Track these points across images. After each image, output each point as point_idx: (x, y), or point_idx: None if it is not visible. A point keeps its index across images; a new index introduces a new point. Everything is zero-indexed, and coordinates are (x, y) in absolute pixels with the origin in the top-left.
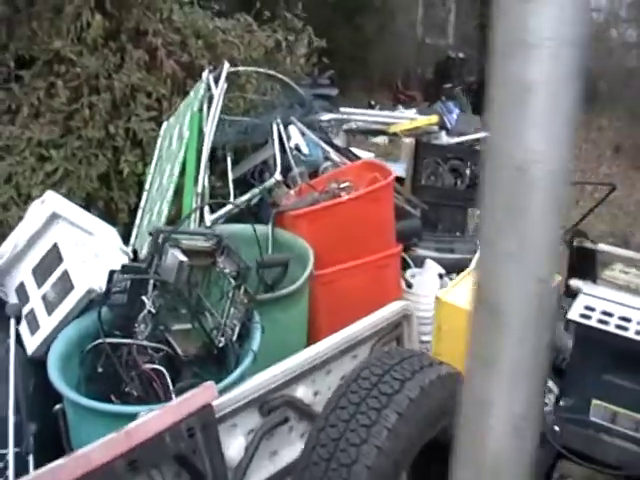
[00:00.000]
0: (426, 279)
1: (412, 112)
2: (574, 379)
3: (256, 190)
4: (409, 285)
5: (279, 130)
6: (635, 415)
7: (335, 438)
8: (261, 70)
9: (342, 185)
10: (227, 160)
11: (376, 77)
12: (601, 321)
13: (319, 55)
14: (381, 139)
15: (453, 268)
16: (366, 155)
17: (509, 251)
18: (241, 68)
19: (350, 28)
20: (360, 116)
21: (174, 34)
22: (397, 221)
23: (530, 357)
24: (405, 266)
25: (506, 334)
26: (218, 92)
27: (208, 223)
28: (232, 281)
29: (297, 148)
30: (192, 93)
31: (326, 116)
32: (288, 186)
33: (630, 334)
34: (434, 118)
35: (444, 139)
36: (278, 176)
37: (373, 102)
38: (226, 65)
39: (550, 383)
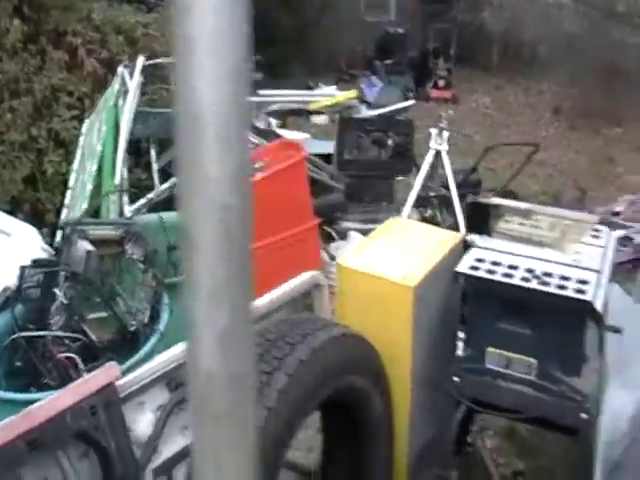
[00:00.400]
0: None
1: (332, 89)
2: (470, 329)
3: (175, 179)
4: (332, 257)
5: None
6: (528, 359)
7: None
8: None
9: (256, 165)
10: (151, 152)
11: (320, 59)
12: (489, 271)
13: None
14: (322, 119)
15: None
16: (301, 136)
17: (196, 185)
18: (159, 60)
19: (289, 13)
20: (278, 97)
21: (94, 32)
22: (321, 196)
23: (225, 278)
24: (330, 239)
25: (200, 260)
26: (133, 86)
27: (128, 214)
28: (141, 266)
29: None
30: (110, 89)
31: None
32: None
33: (516, 281)
34: (352, 93)
35: (364, 113)
36: None
37: (312, 84)
38: (140, 59)
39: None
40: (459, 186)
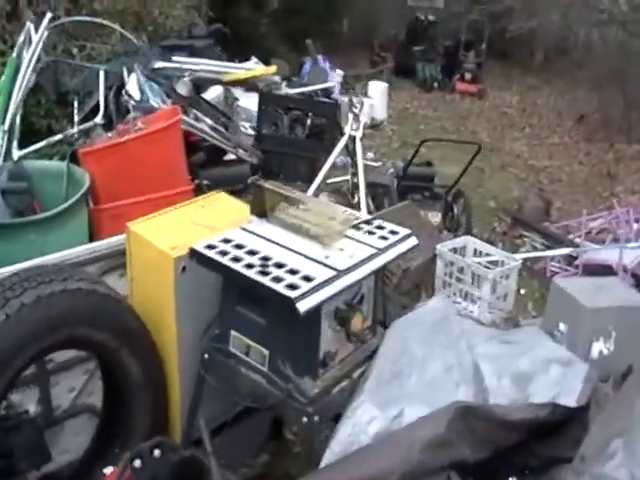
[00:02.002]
0: None
1: (251, 63)
2: (220, 309)
3: (73, 130)
4: None
5: (106, 77)
6: (262, 349)
7: None
8: (87, 19)
9: (135, 128)
10: (74, 104)
11: (353, 37)
12: (222, 252)
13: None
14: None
15: None
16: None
17: None
18: (69, 19)
19: None
20: (193, 65)
21: None
22: (227, 166)
23: None
24: None
25: None
26: (36, 39)
27: (15, 158)
28: None
29: (128, 94)
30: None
31: (158, 64)
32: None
33: (237, 266)
34: (271, 69)
35: (284, 90)
36: (98, 119)
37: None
38: (48, 15)
39: None
40: (403, 177)
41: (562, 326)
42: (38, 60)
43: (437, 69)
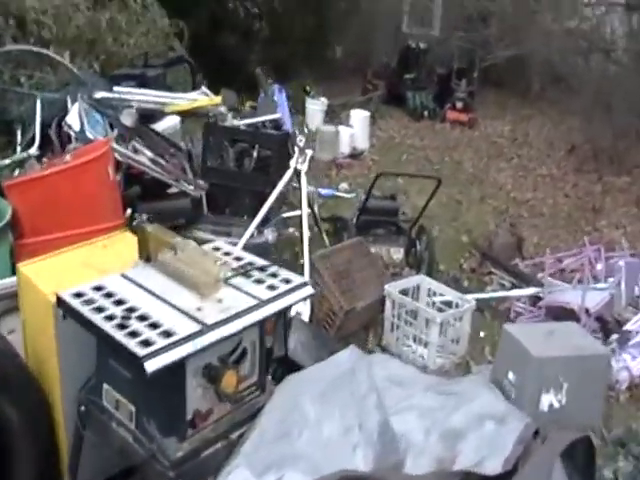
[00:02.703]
0: None
1: (195, 93)
2: (96, 358)
3: (5, 161)
4: None
5: (51, 106)
6: (128, 404)
7: None
8: (24, 47)
9: (64, 161)
10: (17, 133)
11: (347, 64)
12: (88, 301)
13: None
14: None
15: None
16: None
17: None
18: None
19: (315, 12)
20: (137, 95)
21: None
22: (169, 200)
23: None
24: None
25: None
26: None
27: None
28: None
29: (67, 124)
30: None
31: (98, 94)
32: None
33: (96, 318)
34: (216, 99)
35: (230, 121)
36: (32, 150)
37: (308, 88)
38: None
39: None
40: (363, 211)
41: (511, 375)
42: None
43: (428, 97)
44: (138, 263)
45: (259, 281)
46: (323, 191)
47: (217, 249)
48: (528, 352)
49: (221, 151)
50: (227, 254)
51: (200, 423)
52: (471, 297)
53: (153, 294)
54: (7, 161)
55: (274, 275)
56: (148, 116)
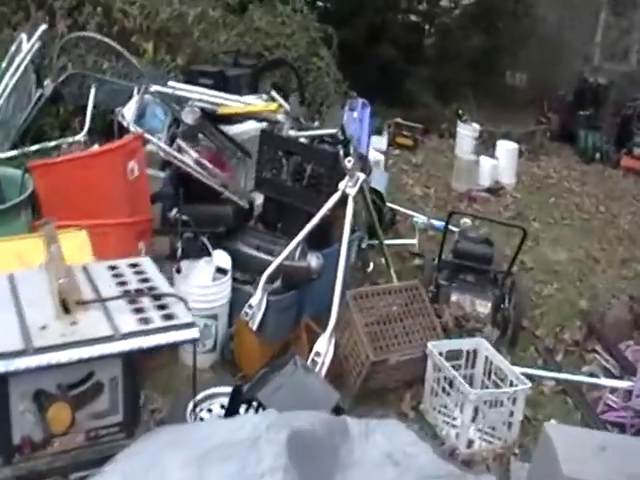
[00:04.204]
0: (200, 268)
1: (253, 97)
2: None
3: (51, 143)
4: (178, 270)
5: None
6: None
7: None
8: (96, 36)
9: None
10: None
11: (528, 93)
12: None
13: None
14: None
15: (260, 269)
16: None
17: None
18: (72, 35)
19: (485, 31)
20: (188, 93)
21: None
22: (211, 205)
23: None
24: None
25: None
26: (26, 50)
27: None
28: None
29: (121, 115)
30: None
31: (153, 88)
32: None
33: None
34: (273, 105)
35: (286, 131)
36: (79, 136)
37: (461, 111)
38: (43, 26)
39: None
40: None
41: None
42: (63, 71)
43: (602, 139)
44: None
45: (139, 310)
46: (436, 223)
47: (114, 267)
48: (560, 468)
49: (274, 163)
50: (139, 273)
51: (30, 451)
52: (554, 376)
53: (15, 300)
54: (53, 143)
55: (162, 307)
56: (224, 117)
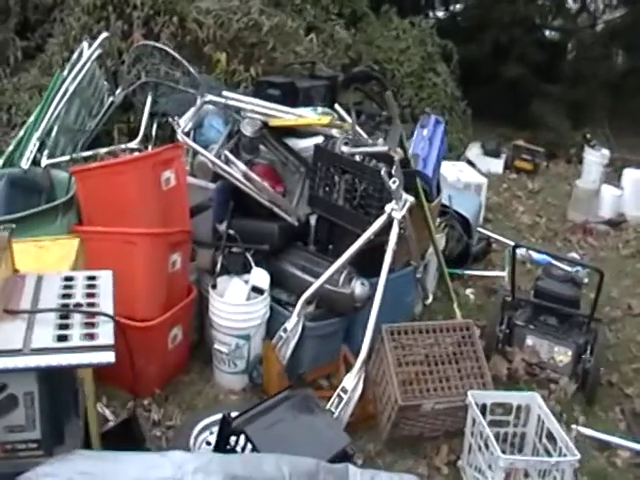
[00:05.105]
0: (234, 285)
1: (308, 109)
2: None
3: (103, 149)
4: (214, 285)
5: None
6: None
7: None
8: (151, 43)
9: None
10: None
11: None
12: None
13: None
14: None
15: (303, 291)
16: None
17: None
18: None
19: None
20: (241, 103)
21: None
22: (259, 221)
23: None
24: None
25: None
26: (85, 57)
27: (42, 165)
28: None
29: (177, 123)
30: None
31: (207, 97)
32: None
33: None
34: (325, 119)
35: (339, 147)
36: (133, 143)
37: (589, 136)
38: (103, 35)
39: None
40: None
41: None
42: (137, 79)
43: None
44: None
45: (63, 326)
46: (537, 256)
47: (69, 279)
48: None
49: (327, 180)
50: (90, 287)
51: None
52: (632, 446)
53: None
54: (105, 150)
55: (89, 325)
56: (291, 130)
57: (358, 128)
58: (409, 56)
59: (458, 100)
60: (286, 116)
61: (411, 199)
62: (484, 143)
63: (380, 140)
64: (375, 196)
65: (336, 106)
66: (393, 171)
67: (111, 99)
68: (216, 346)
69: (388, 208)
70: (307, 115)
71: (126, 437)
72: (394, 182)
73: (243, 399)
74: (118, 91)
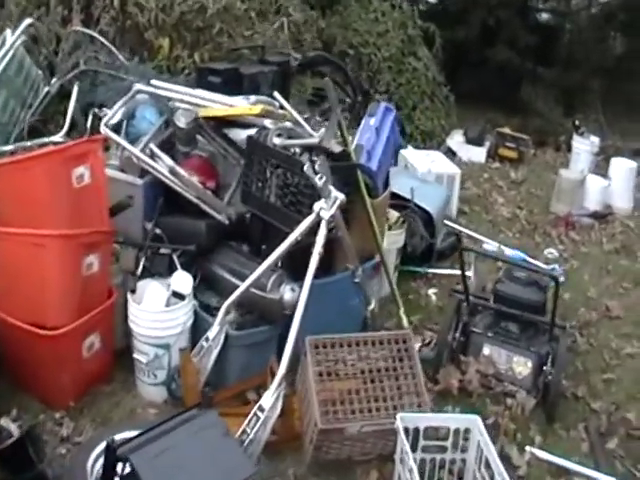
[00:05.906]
0: (153, 290)
1: (240, 98)
2: None
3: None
4: (132, 290)
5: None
6: None
7: None
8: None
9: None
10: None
11: None
12: None
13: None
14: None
15: (226, 294)
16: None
17: None
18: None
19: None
20: (170, 92)
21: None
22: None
23: None
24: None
25: None
26: (9, 44)
27: None
28: None
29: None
30: None
31: (137, 86)
32: None
33: None
34: (256, 109)
35: (270, 139)
36: (56, 136)
37: (577, 123)
38: (26, 20)
39: None
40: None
41: None
42: (75, 67)
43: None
44: None
45: None
46: (509, 251)
47: None
48: None
49: (260, 175)
50: None
51: None
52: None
53: None
54: (29, 143)
55: None
56: (230, 121)
57: (299, 117)
58: (388, 40)
59: (440, 85)
60: (216, 106)
61: (341, 196)
62: (466, 130)
63: (322, 131)
64: (307, 193)
65: (275, 94)
66: (317, 166)
67: (47, 89)
68: (135, 355)
69: (317, 207)
70: (238, 104)
71: (22, 458)
72: (320, 178)
73: (162, 412)
74: (54, 80)
